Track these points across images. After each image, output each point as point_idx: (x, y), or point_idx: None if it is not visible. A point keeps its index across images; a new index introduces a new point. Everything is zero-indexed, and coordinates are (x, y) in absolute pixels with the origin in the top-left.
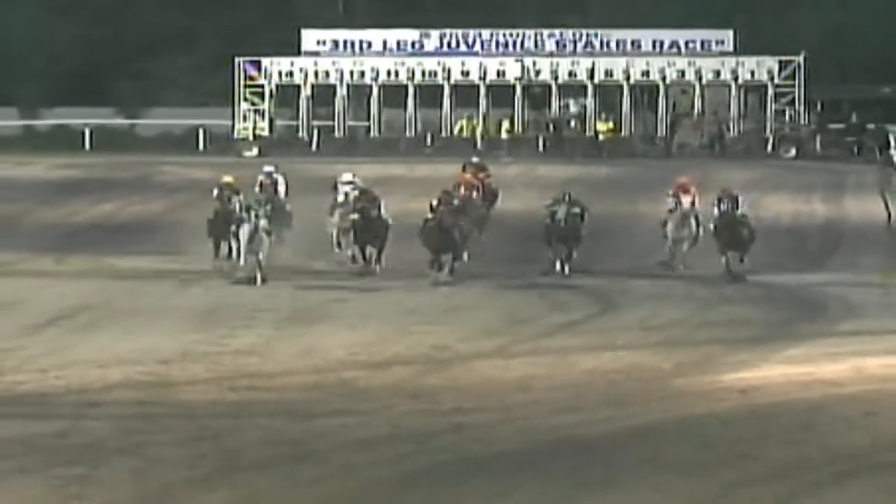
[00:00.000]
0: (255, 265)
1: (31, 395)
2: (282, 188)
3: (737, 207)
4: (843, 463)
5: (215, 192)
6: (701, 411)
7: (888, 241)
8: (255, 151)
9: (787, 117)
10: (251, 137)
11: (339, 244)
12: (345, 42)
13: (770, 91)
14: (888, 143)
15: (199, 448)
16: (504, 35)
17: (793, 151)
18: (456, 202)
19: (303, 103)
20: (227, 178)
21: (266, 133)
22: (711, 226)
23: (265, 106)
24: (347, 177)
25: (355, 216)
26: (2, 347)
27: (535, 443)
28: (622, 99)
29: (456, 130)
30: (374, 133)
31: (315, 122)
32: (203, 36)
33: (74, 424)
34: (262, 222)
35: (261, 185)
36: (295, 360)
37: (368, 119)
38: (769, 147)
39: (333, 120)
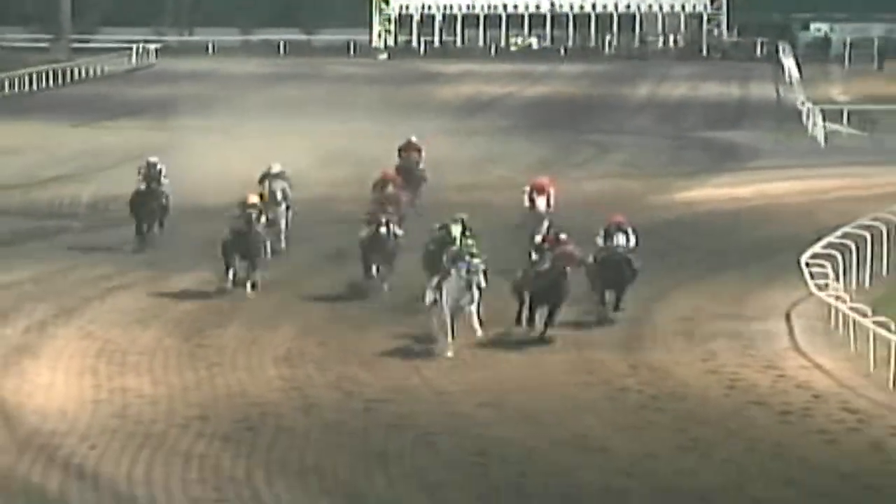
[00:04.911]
0: (455, 321)
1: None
2: (279, 193)
3: (628, 241)
4: (752, 250)
5: (237, 211)
6: (661, 218)
7: (777, 111)
8: (385, 55)
9: (715, 34)
10: (383, 47)
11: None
12: None
13: (705, 17)
14: (777, 51)
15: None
16: None
17: (719, 56)
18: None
19: (415, 26)
20: (253, 198)
21: (392, 44)
22: (591, 258)
23: (391, 27)
24: (276, 168)
25: (366, 233)
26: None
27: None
28: (612, 23)
29: (512, 45)
30: (458, 44)
31: (423, 38)
32: None
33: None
34: (477, 275)
35: (261, 195)
36: None
37: (455, 36)
38: (703, 53)
39: (433, 37)
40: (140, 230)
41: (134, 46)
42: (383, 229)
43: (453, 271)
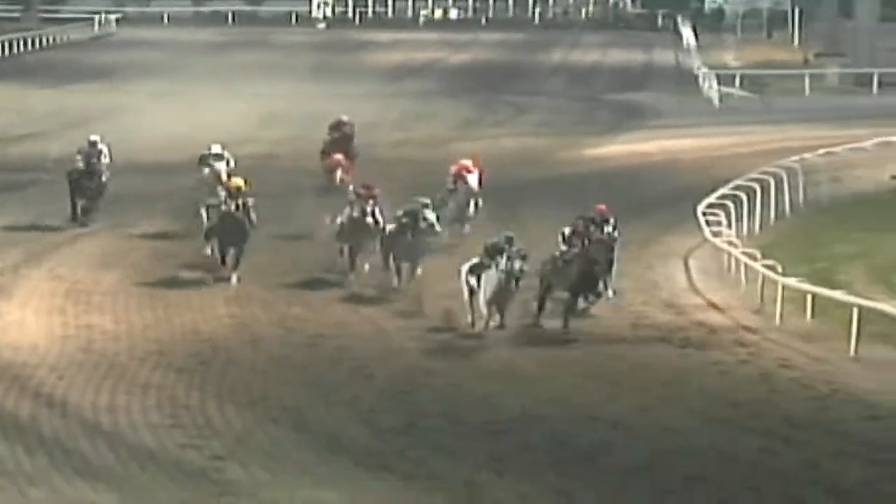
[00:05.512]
0: (494, 316)
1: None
2: (225, 169)
3: (613, 229)
4: (653, 201)
5: (223, 194)
6: (572, 171)
7: (676, 75)
8: (324, 25)
9: (621, 6)
10: (322, 17)
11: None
12: None
13: None
14: (676, 23)
15: None
16: None
17: (623, 26)
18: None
19: None
20: (238, 182)
21: (330, 15)
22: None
23: None
24: (216, 148)
25: (346, 216)
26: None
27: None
28: None
29: (422, 18)
30: (390, 15)
31: (358, 9)
32: None
33: None
34: (517, 267)
35: (210, 169)
36: None
37: (386, 7)
38: (611, 23)
39: (367, 8)
40: (75, 208)
41: (96, 16)
42: (369, 218)
43: (493, 264)
